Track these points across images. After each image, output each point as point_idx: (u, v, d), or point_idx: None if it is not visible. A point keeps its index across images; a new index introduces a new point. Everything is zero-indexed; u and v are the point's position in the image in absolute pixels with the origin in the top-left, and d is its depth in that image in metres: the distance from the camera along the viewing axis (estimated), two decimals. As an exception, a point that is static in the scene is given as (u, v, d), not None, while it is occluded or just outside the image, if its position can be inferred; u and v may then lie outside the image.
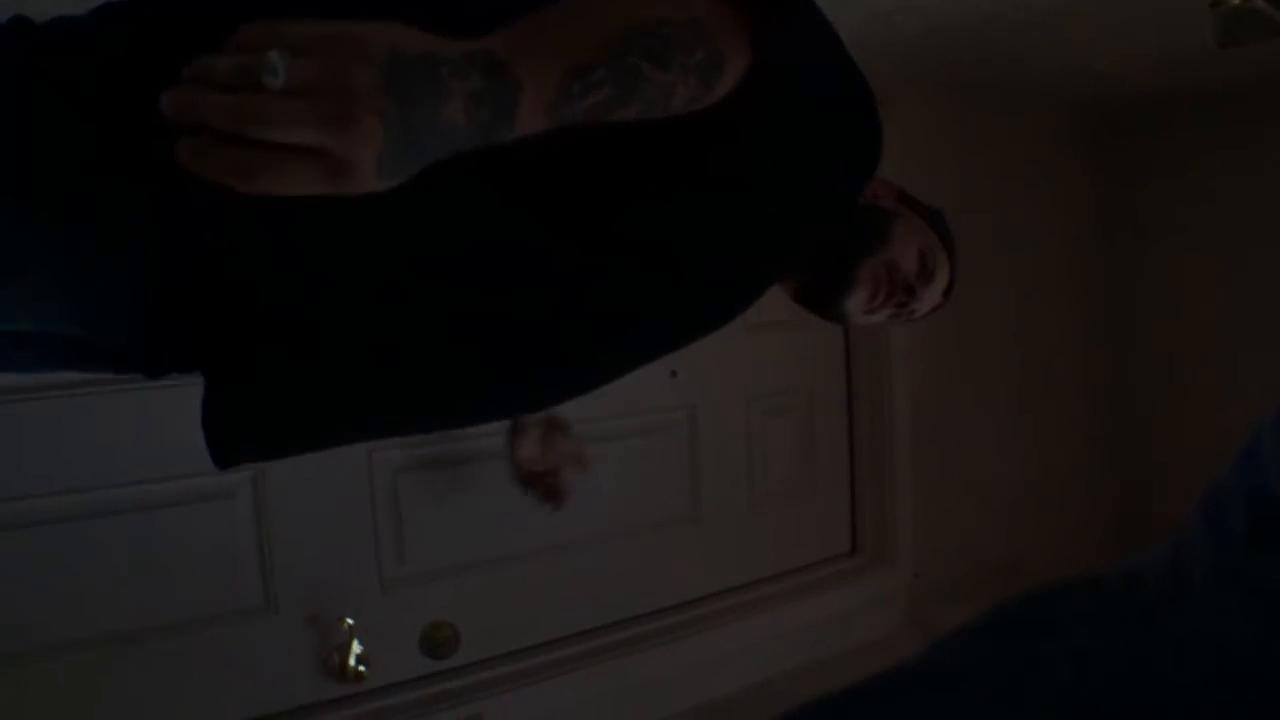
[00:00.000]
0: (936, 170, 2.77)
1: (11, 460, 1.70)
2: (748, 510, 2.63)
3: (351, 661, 1.96)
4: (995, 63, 2.66)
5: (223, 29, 0.65)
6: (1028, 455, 3.18)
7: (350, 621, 1.95)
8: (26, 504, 1.72)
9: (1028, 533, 3.16)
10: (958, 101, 2.91)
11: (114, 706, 1.80)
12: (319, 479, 1.96)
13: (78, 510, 1.76)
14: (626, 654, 2.32)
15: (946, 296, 1.38)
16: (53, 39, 0.92)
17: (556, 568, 2.28)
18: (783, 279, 1.28)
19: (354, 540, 2.02)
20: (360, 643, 1.97)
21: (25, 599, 1.72)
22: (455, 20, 0.73)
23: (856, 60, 1.07)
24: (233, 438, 0.97)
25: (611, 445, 2.30)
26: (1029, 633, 0.45)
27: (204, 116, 0.58)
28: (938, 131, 2.82)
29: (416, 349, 0.99)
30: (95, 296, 0.93)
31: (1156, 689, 0.36)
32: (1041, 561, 3.14)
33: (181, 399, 1.17)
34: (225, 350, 0.95)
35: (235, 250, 0.90)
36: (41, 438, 1.73)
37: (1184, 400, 3.32)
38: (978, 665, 0.43)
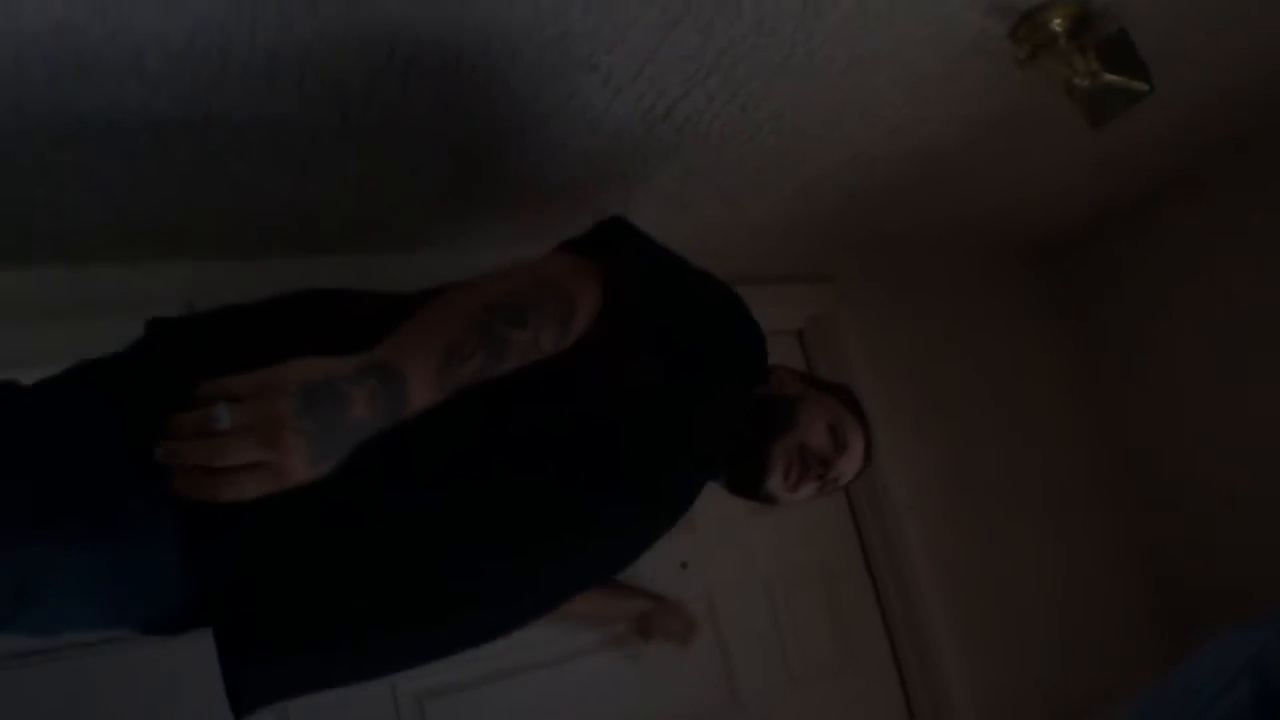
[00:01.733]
0: (893, 326, 2.91)
1: None
2: (790, 691, 2.57)
3: None
4: (918, 215, 2.86)
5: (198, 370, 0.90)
6: (1062, 576, 3.13)
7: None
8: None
9: (1080, 655, 3.06)
10: (899, 258, 3.08)
11: None
12: (342, 711, 1.96)
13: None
14: None
15: (868, 459, 1.53)
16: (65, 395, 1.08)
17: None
18: (714, 476, 1.45)
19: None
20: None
21: None
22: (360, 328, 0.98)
23: (703, 270, 1.30)
24: (250, 692, 1.05)
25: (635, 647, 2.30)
26: None
27: (183, 459, 0.84)
28: (885, 291, 2.97)
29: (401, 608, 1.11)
30: (130, 602, 1.05)
31: None
32: (1104, 673, 3.05)
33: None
34: (245, 623, 1.04)
35: (251, 554, 1.01)
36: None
37: (1200, 480, 3.33)
38: None
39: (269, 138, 1.59)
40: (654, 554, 1.34)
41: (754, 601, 2.58)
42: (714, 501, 1.52)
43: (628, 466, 1.20)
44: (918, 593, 2.78)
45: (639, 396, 1.18)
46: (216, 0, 1.24)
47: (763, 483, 1.41)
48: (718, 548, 2.51)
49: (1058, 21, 1.80)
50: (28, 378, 1.09)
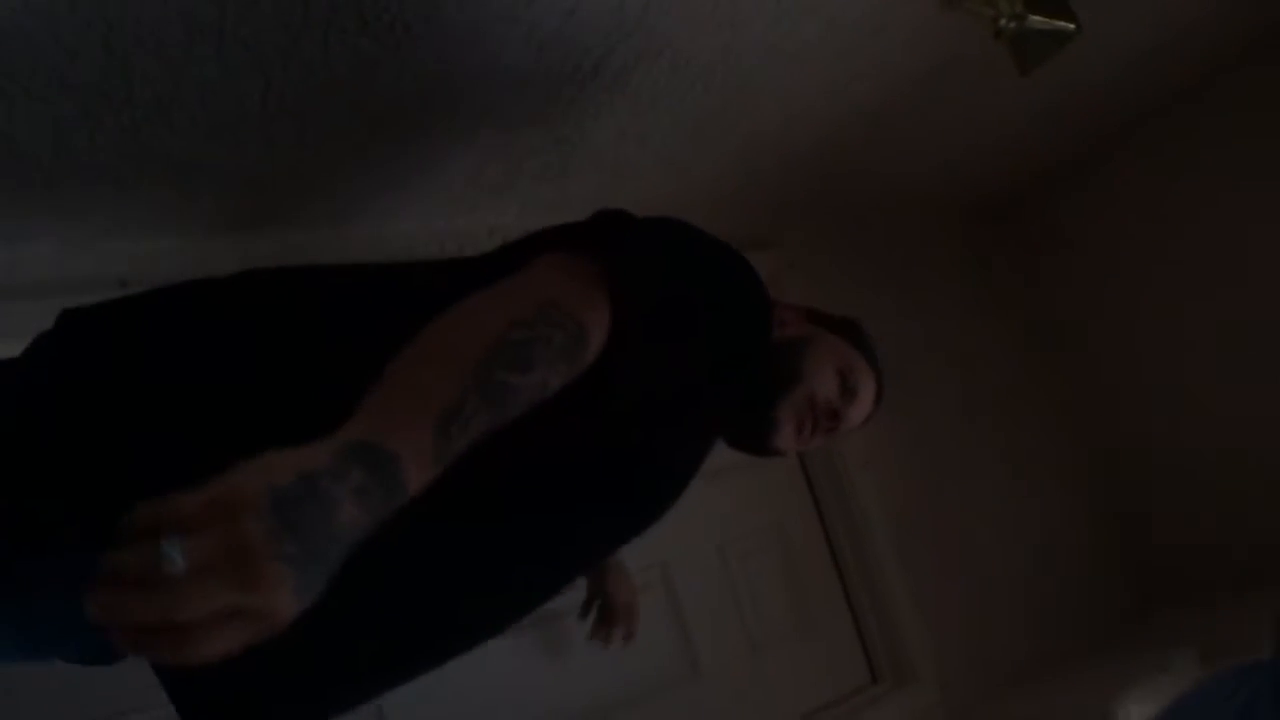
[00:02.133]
0: (840, 291, 2.92)
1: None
2: (751, 657, 2.57)
3: None
4: (861, 176, 2.86)
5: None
6: (1022, 536, 3.16)
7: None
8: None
9: (1046, 610, 3.10)
10: (844, 220, 3.08)
11: None
12: None
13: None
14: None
15: (877, 403, 1.42)
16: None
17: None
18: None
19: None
20: None
21: None
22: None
23: (711, 248, 1.17)
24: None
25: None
26: None
27: (130, 618, 0.61)
28: (827, 251, 2.97)
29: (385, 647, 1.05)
30: (47, 645, 1.02)
31: None
32: (1071, 633, 3.08)
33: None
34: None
35: None
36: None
37: (1161, 439, 3.36)
38: None
39: (194, 107, 1.56)
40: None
41: (709, 569, 2.57)
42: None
43: (637, 483, 1.14)
44: (874, 553, 2.78)
45: (650, 411, 1.08)
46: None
47: (771, 440, 1.32)
48: (669, 515, 2.49)
49: (981, -37, 1.81)
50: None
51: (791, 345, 1.31)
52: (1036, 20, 1.83)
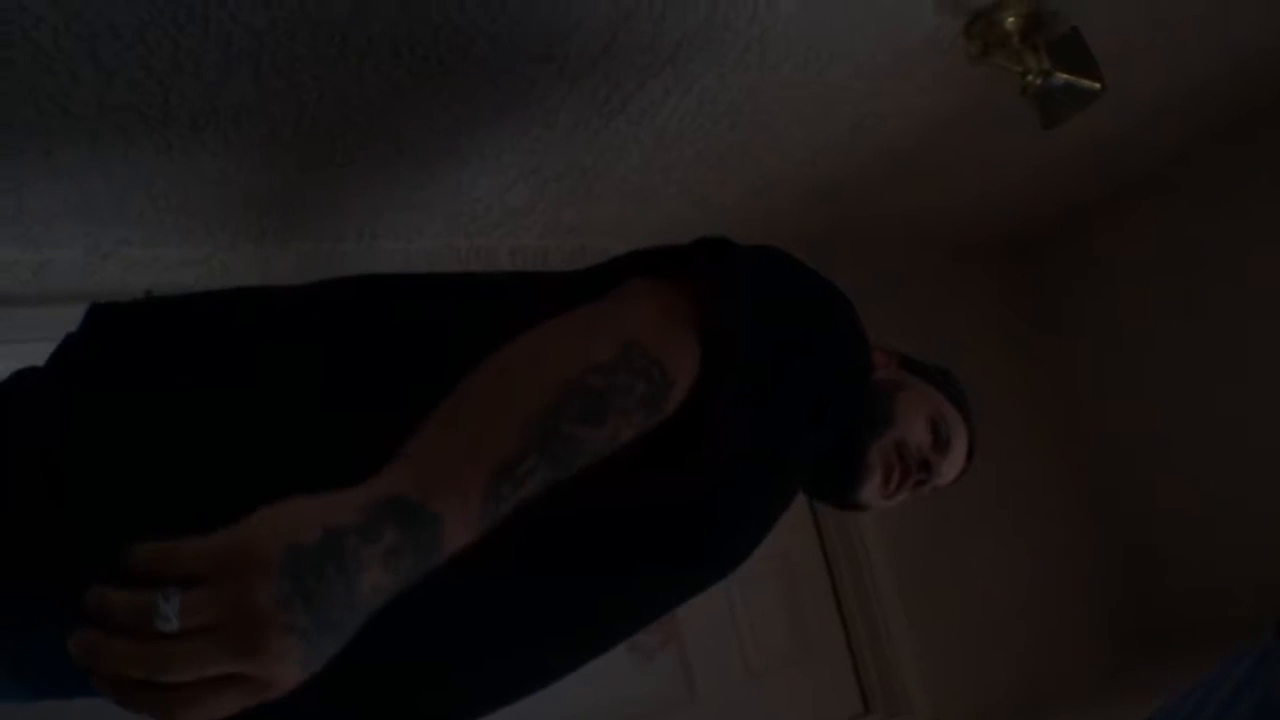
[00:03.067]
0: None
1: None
2: (746, 682, 2.59)
3: None
4: (880, 214, 2.88)
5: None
6: (1021, 576, 3.16)
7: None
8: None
9: (1039, 652, 3.10)
10: (860, 256, 3.09)
11: None
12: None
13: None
14: None
15: (970, 459, 1.32)
16: None
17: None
18: None
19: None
20: None
21: None
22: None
23: (814, 275, 1.06)
24: None
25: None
26: None
27: (114, 667, 0.55)
28: (848, 288, 2.97)
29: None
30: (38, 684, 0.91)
31: None
32: (1059, 678, 3.08)
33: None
34: None
35: None
36: None
37: (1165, 488, 3.36)
38: None
39: (229, 127, 1.59)
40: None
41: (711, 593, 2.58)
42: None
43: (710, 546, 1.03)
44: (873, 585, 2.80)
45: (734, 470, 0.96)
46: (162, -16, 1.25)
47: (857, 490, 1.20)
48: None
49: (1010, 20, 1.82)
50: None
51: (882, 389, 1.22)
52: (1063, 78, 1.84)
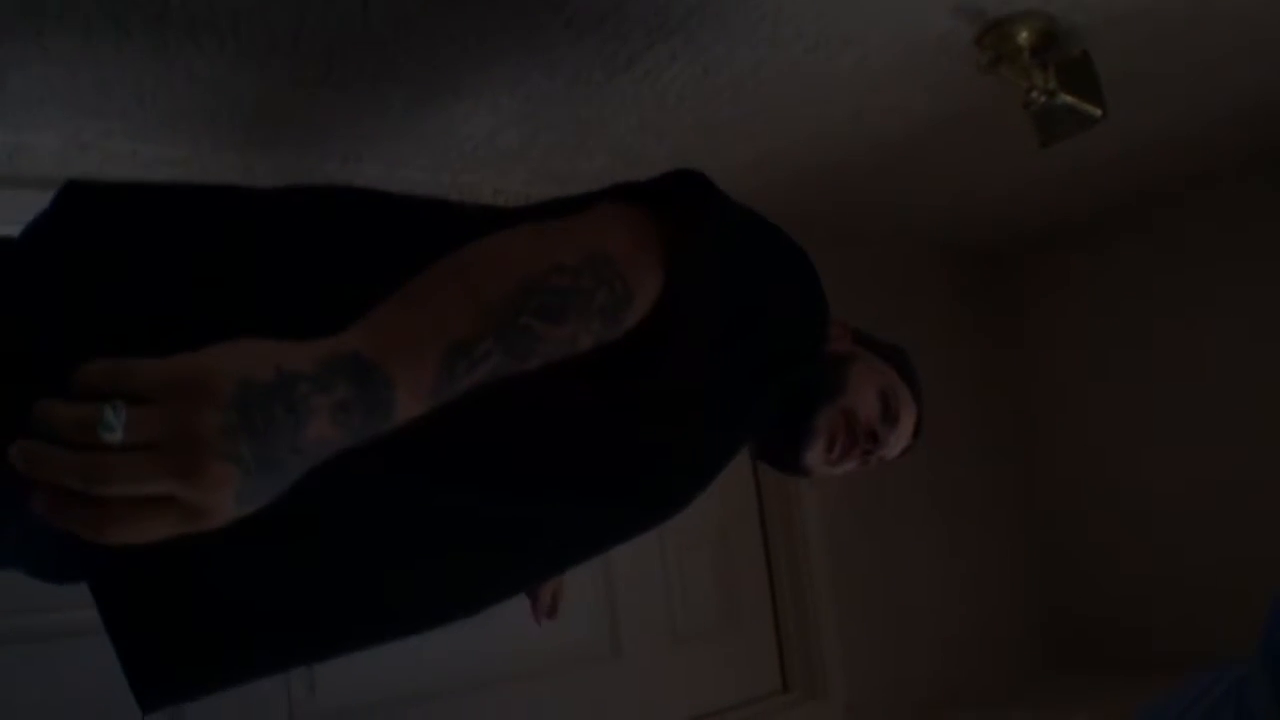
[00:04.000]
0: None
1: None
2: (670, 646, 2.63)
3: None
4: (866, 206, 2.89)
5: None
6: (952, 578, 3.22)
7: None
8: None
9: (960, 654, 3.16)
10: (839, 245, 3.09)
11: None
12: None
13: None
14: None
15: (916, 436, 1.35)
16: None
17: (474, 706, 2.24)
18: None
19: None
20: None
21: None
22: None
23: (781, 231, 1.06)
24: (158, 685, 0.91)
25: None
26: None
27: (51, 474, 0.56)
28: (822, 271, 2.99)
29: (342, 599, 0.97)
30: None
31: None
32: (976, 681, 3.14)
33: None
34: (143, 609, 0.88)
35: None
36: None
37: (1100, 511, 3.43)
38: None
39: (226, 32, 1.55)
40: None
41: (647, 555, 2.62)
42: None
43: (652, 484, 1.04)
44: (808, 567, 2.83)
45: (682, 406, 0.98)
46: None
47: (802, 455, 1.22)
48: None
49: (1024, 35, 1.81)
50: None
51: (837, 360, 1.24)
52: (1066, 99, 1.85)
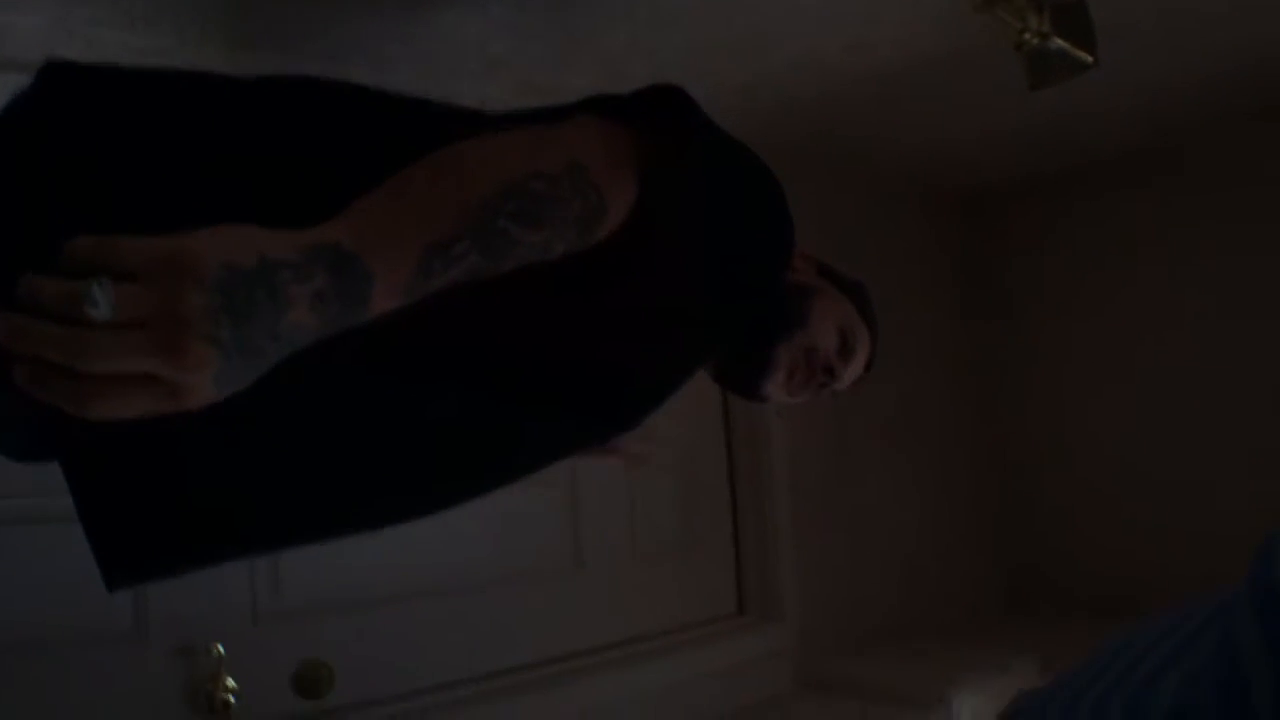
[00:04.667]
0: (799, 241, 2.94)
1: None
2: (631, 563, 2.67)
3: (221, 692, 1.94)
4: (852, 140, 2.88)
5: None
6: (911, 512, 3.29)
7: (221, 650, 1.95)
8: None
9: (916, 588, 3.25)
10: (823, 179, 3.10)
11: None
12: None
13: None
14: (504, 703, 2.31)
15: (868, 370, 1.37)
16: None
17: (437, 612, 2.29)
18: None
19: (229, 566, 2.02)
20: (230, 676, 1.96)
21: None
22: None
23: (757, 156, 1.05)
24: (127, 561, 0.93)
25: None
26: None
27: (34, 348, 0.57)
28: (797, 204, 2.98)
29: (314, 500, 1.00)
30: None
31: None
32: (930, 616, 3.23)
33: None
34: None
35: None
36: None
37: (1062, 459, 3.49)
38: None
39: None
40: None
41: (614, 472, 2.64)
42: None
43: (612, 396, 1.05)
44: (770, 495, 2.88)
45: (646, 321, 1.00)
46: None
47: (762, 382, 1.26)
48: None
49: (1021, -26, 1.81)
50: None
51: (800, 291, 1.26)
52: (1058, 43, 1.84)
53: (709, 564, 2.88)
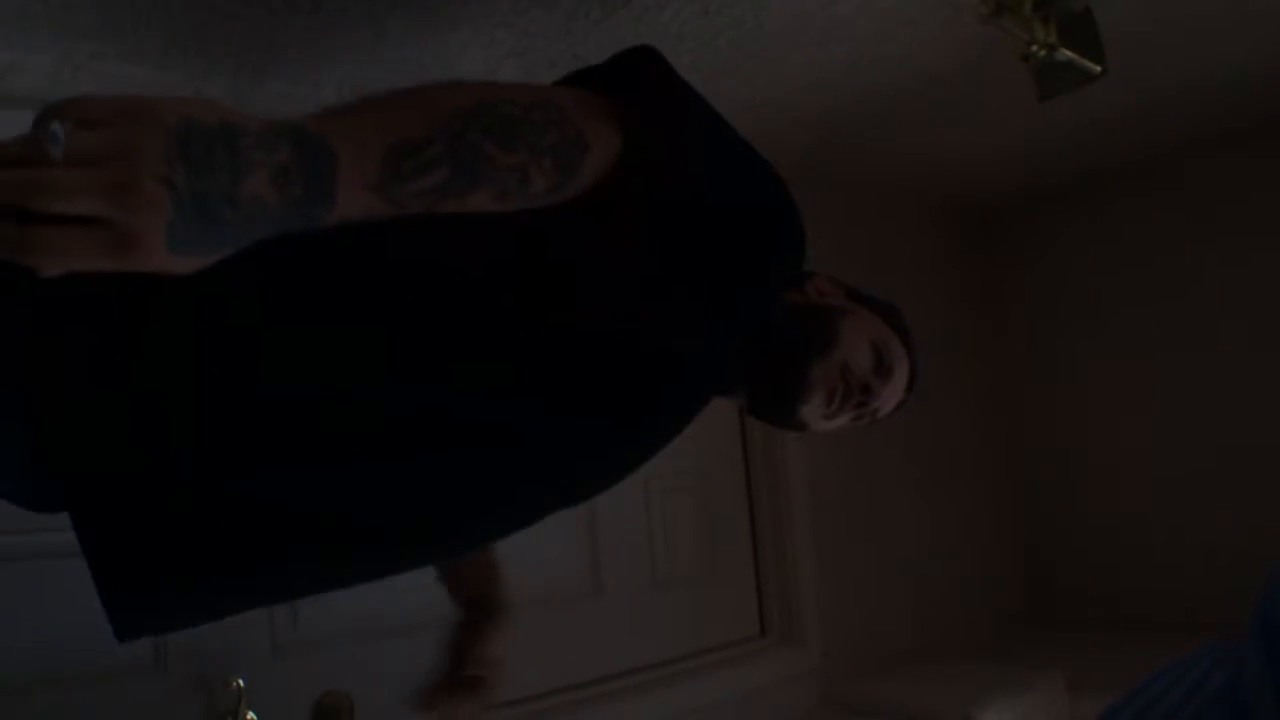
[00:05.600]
0: (810, 260, 2.94)
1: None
2: (651, 589, 2.66)
3: (241, 724, 1.93)
4: (863, 156, 2.88)
5: None
6: (930, 529, 3.26)
7: (241, 683, 1.94)
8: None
9: (938, 607, 3.21)
10: (835, 196, 3.10)
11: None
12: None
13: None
14: (528, 731, 2.30)
15: (910, 391, 1.33)
16: None
17: (456, 640, 2.27)
18: (726, 393, 1.24)
19: (245, 601, 2.02)
20: (250, 709, 1.95)
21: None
22: None
23: (752, 147, 1.03)
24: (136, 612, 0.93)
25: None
26: None
27: None
28: (807, 223, 2.98)
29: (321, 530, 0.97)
30: None
31: None
32: (953, 634, 3.19)
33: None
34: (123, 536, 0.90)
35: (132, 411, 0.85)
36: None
37: (1082, 473, 3.46)
38: None
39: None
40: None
41: (631, 497, 2.64)
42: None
43: (612, 380, 1.02)
44: (789, 514, 2.87)
45: (638, 292, 0.96)
46: None
47: (798, 407, 1.20)
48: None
49: (1027, -15, 1.80)
50: None
51: (829, 311, 1.23)
52: (1066, 54, 1.83)
53: (729, 587, 2.86)
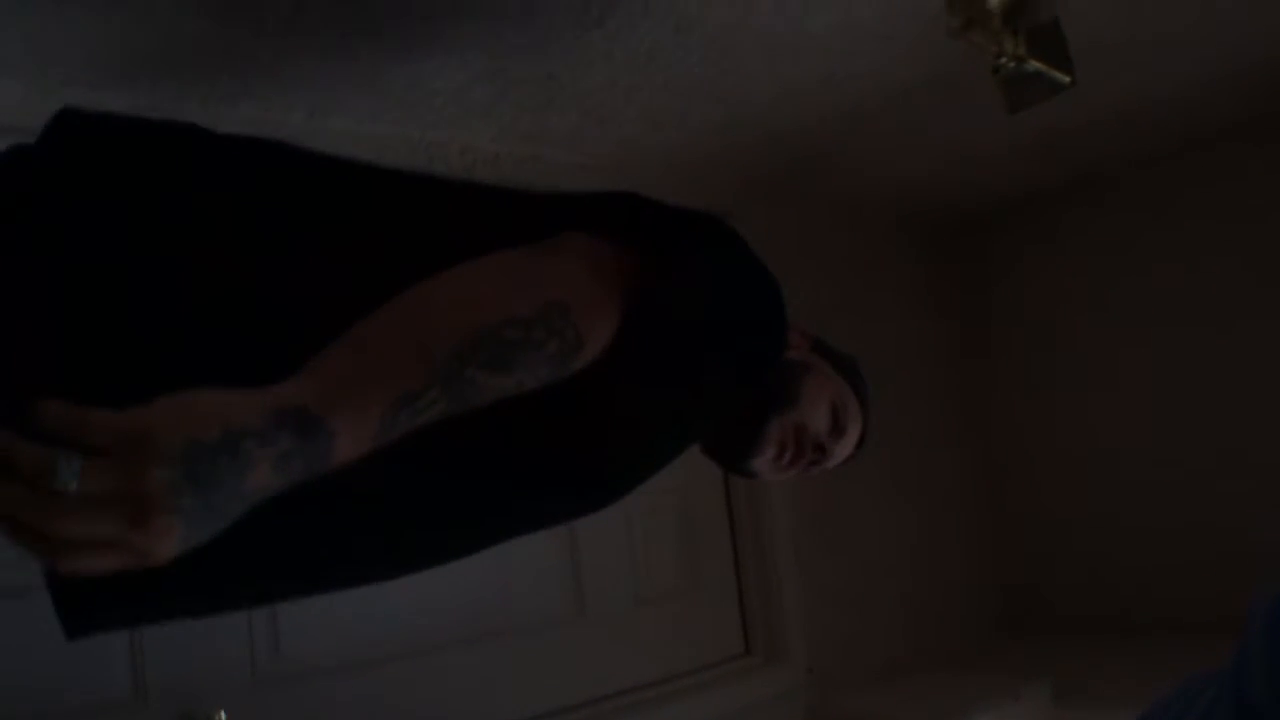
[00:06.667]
0: (784, 275, 2.95)
1: None
2: (635, 609, 2.64)
3: (224, 758, 1.90)
4: (834, 171, 2.89)
5: None
6: (910, 545, 3.27)
7: (224, 715, 1.91)
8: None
9: (919, 619, 3.22)
10: (806, 210, 3.11)
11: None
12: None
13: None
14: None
15: (859, 448, 1.36)
16: None
17: (438, 665, 2.25)
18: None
19: (228, 629, 1.99)
20: (233, 740, 1.92)
21: None
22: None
23: (757, 264, 1.03)
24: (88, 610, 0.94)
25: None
26: None
27: (7, 509, 0.60)
28: (782, 238, 3.00)
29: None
30: None
31: None
32: (939, 646, 3.20)
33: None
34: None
35: None
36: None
37: (1057, 478, 3.49)
38: None
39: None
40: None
41: (611, 519, 2.62)
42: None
43: (596, 481, 1.05)
44: (770, 533, 2.86)
45: (635, 425, 1.00)
46: None
47: (750, 459, 1.23)
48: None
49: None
50: None
51: (793, 369, 1.24)
52: (1035, 65, 1.86)
53: (712, 606, 2.84)
